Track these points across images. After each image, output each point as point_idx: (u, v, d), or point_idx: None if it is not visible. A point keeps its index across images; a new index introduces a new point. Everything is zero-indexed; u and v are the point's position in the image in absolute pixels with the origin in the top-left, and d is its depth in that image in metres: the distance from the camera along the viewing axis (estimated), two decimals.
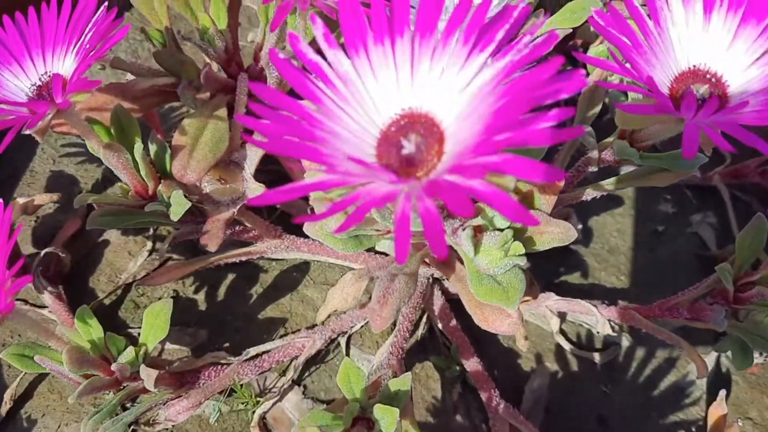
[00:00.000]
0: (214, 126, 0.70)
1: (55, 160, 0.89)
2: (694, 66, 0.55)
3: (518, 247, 0.54)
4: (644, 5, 0.56)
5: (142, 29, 0.76)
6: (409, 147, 0.46)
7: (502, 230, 0.56)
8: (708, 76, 0.55)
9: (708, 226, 0.91)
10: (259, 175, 0.71)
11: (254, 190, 0.71)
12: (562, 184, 0.59)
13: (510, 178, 0.49)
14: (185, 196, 0.68)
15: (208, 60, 0.79)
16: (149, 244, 0.82)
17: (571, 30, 0.78)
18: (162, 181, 0.70)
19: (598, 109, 0.74)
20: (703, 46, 0.55)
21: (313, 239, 0.62)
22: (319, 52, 0.49)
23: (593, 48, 0.89)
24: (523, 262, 0.54)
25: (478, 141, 0.41)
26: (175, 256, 0.81)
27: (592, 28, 0.84)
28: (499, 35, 0.45)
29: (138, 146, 0.64)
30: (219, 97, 0.75)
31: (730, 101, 0.54)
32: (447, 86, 0.46)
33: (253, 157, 0.73)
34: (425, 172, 0.45)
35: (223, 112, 0.73)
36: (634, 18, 0.54)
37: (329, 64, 0.47)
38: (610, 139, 0.69)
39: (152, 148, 0.71)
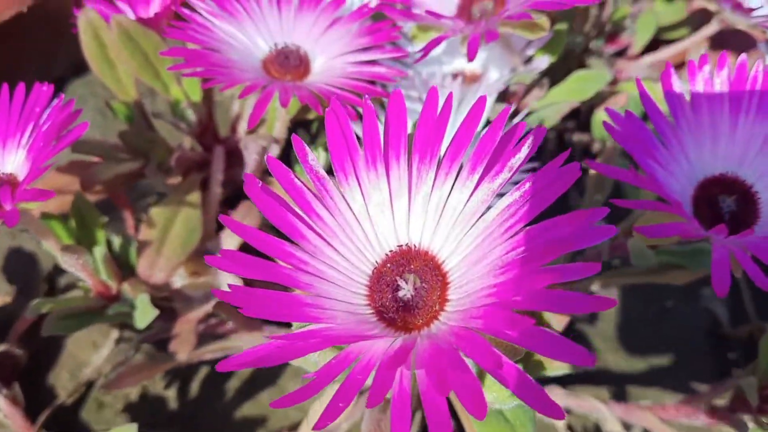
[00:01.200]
0: (186, 216, 0.64)
1: (15, 234, 0.82)
2: (721, 174, 0.49)
3: None
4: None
5: (106, 102, 0.69)
6: (406, 289, 0.39)
7: None
8: (736, 185, 0.49)
9: (720, 300, 0.86)
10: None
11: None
12: None
13: None
14: (153, 299, 0.61)
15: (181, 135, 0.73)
16: (115, 333, 0.74)
17: (577, 103, 0.73)
18: (127, 278, 0.63)
19: (607, 192, 0.68)
20: (731, 151, 0.49)
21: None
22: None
23: (597, 113, 0.84)
24: None
25: (488, 304, 0.35)
26: (145, 346, 0.74)
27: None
28: (514, 163, 0.39)
29: (98, 249, 0.57)
30: (192, 178, 0.69)
31: (762, 216, 0.49)
32: (450, 221, 0.40)
33: (228, 246, 0.67)
34: (425, 321, 0.39)
35: (196, 197, 0.66)
36: (652, 119, 0.49)
37: (314, 192, 0.41)
38: (621, 227, 0.64)
39: (116, 241, 0.64)
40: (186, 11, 0.58)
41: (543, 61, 0.67)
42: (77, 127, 0.52)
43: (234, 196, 0.76)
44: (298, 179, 0.40)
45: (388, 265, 0.41)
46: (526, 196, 0.37)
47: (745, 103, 0.48)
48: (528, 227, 0.36)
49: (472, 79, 0.72)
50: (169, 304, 0.65)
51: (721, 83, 0.48)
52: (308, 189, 0.40)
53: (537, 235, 0.35)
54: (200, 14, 0.59)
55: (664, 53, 0.85)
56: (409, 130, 0.50)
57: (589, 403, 0.70)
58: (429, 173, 0.40)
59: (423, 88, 0.68)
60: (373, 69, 0.57)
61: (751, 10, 0.74)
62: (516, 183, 0.38)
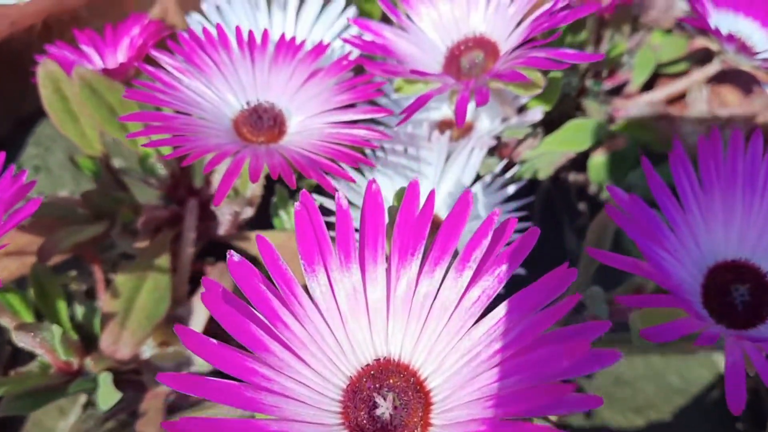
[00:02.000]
0: (154, 283, 0.59)
1: None
2: (734, 260, 0.45)
3: None
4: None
5: (70, 158, 0.65)
6: (384, 407, 0.35)
7: None
8: (750, 272, 0.45)
9: (721, 351, 0.82)
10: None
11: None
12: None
13: None
14: (120, 373, 0.57)
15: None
16: (83, 397, 0.70)
17: (573, 154, 0.68)
18: (91, 351, 0.58)
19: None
20: (744, 236, 0.45)
21: None
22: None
23: (594, 156, 0.80)
24: None
25: None
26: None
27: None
28: (502, 271, 0.34)
29: (56, 328, 0.53)
30: (162, 236, 0.64)
31: None
32: (434, 332, 0.36)
33: (200, 312, 0.62)
34: None
35: (165, 259, 0.62)
36: (659, 201, 0.44)
37: (281, 296, 0.36)
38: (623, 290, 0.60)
39: (79, 311, 0.60)
40: (150, 69, 0.53)
41: (537, 113, 0.63)
42: (29, 204, 0.47)
43: (209, 250, 0.72)
44: (263, 284, 0.36)
45: (364, 379, 0.36)
46: (515, 314, 0.33)
47: (760, 184, 0.43)
48: (519, 355, 0.31)
49: (461, 129, 0.67)
50: (137, 376, 0.60)
51: (733, 162, 0.44)
52: (274, 294, 0.36)
53: (529, 367, 0.31)
54: (166, 70, 0.54)
55: (663, 92, 0.81)
56: (392, 201, 0.46)
57: None
58: (409, 275, 0.36)
59: (409, 141, 0.63)
60: (352, 131, 0.53)
61: (756, 52, 0.70)
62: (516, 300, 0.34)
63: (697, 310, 0.43)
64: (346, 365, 0.37)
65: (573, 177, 0.88)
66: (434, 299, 0.35)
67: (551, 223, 0.90)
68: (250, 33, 0.58)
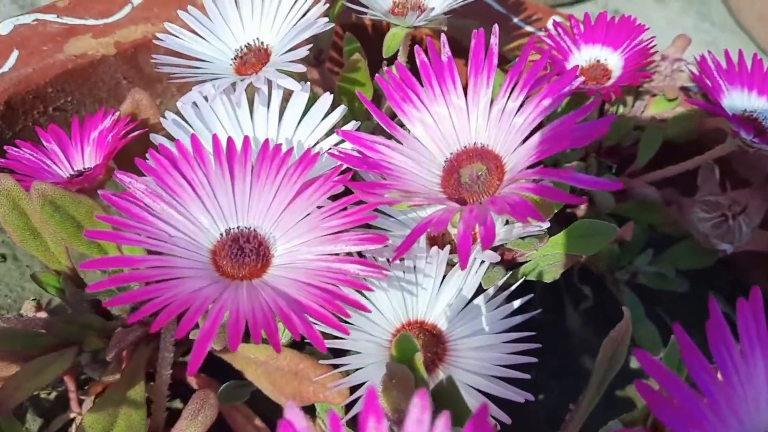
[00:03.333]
0: (127, 421, 0.54)
1: None
2: None
3: None
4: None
5: (32, 276, 0.59)
6: None
7: None
8: None
9: None
10: None
11: None
12: None
13: None
14: None
15: None
16: None
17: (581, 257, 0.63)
18: None
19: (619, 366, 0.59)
20: None
21: None
22: None
23: None
24: None
25: None
26: None
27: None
28: None
29: None
30: (135, 360, 0.59)
31: None
32: None
33: None
34: None
35: (139, 389, 0.56)
36: (694, 374, 0.39)
37: None
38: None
39: None
40: (116, 199, 0.48)
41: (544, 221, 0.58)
42: None
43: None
44: None
45: None
46: None
47: None
48: None
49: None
50: None
51: None
52: None
53: None
54: (133, 199, 0.49)
55: (671, 170, 0.76)
56: (392, 349, 0.41)
57: None
58: None
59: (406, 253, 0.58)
60: (344, 267, 0.48)
61: None
62: None
63: None
64: None
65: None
66: None
67: (553, 304, 0.86)
68: (230, 143, 0.53)
